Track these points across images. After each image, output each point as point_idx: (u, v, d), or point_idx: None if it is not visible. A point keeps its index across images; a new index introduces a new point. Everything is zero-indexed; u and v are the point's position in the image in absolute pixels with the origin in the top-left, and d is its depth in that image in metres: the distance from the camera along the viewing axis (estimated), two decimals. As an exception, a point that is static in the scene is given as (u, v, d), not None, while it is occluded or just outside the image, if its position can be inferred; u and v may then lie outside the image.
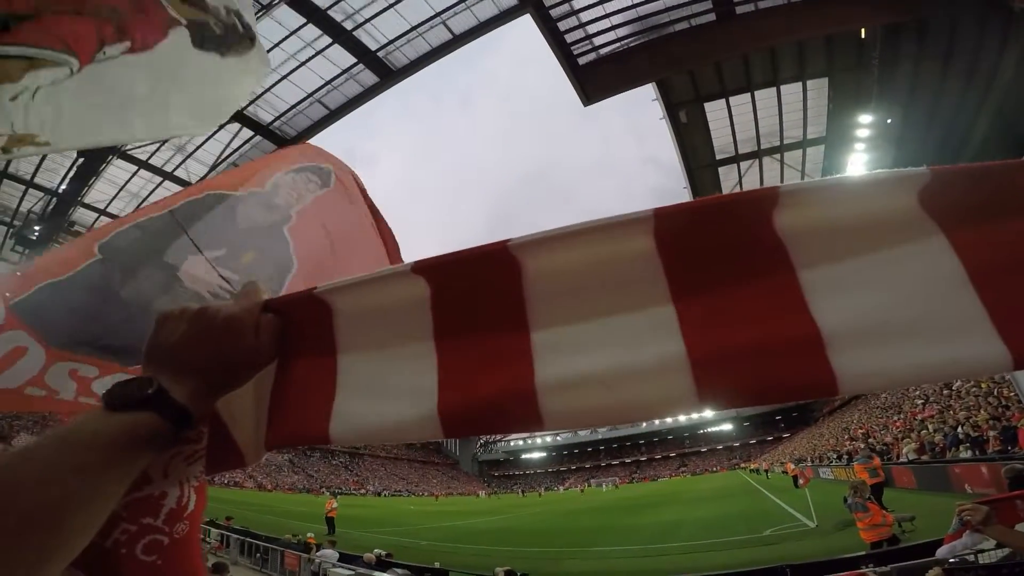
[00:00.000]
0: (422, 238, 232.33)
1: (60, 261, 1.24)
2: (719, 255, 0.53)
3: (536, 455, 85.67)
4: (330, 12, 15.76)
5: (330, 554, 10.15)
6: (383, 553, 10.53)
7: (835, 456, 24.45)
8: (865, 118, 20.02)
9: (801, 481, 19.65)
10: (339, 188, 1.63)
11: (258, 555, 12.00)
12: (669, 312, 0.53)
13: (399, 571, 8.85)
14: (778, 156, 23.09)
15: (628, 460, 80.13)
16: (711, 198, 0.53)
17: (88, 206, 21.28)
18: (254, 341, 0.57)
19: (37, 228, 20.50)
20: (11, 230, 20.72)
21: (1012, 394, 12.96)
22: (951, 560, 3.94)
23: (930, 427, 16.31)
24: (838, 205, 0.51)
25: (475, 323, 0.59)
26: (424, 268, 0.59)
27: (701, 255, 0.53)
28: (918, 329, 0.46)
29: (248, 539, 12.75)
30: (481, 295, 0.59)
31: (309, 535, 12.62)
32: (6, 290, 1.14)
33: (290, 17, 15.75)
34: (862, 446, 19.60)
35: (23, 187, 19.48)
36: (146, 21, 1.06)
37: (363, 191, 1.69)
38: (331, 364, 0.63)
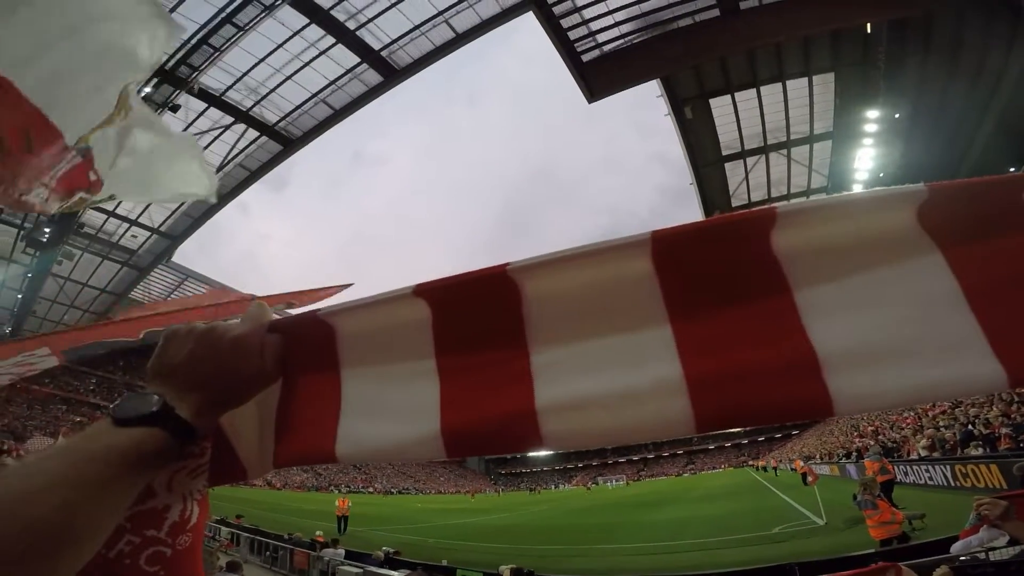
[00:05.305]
0: (431, 235, 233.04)
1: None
2: (717, 277, 0.53)
3: (544, 453, 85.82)
4: (333, 12, 15.80)
5: (333, 553, 10.21)
6: (391, 551, 10.60)
7: (843, 454, 24.27)
8: (872, 113, 19.74)
9: (810, 478, 19.51)
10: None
11: (267, 553, 12.12)
12: (667, 335, 0.53)
13: (407, 569, 8.90)
14: (784, 152, 22.87)
15: (635, 458, 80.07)
16: (709, 220, 0.53)
17: (98, 208, 21.53)
18: (259, 361, 0.59)
19: (47, 230, 20.75)
20: (21, 232, 20.99)
21: (1025, 390, 12.75)
22: (961, 558, 3.90)
23: (941, 424, 16.14)
24: (836, 225, 0.50)
25: (476, 345, 0.60)
26: (425, 291, 0.60)
27: (699, 278, 0.53)
28: (914, 349, 0.46)
29: (258, 537, 12.89)
30: (481, 317, 0.59)
31: (317, 533, 12.72)
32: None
33: (293, 18, 15.81)
34: (871, 443, 19.44)
35: (33, 190, 19.73)
36: None
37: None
38: (335, 384, 0.64)
